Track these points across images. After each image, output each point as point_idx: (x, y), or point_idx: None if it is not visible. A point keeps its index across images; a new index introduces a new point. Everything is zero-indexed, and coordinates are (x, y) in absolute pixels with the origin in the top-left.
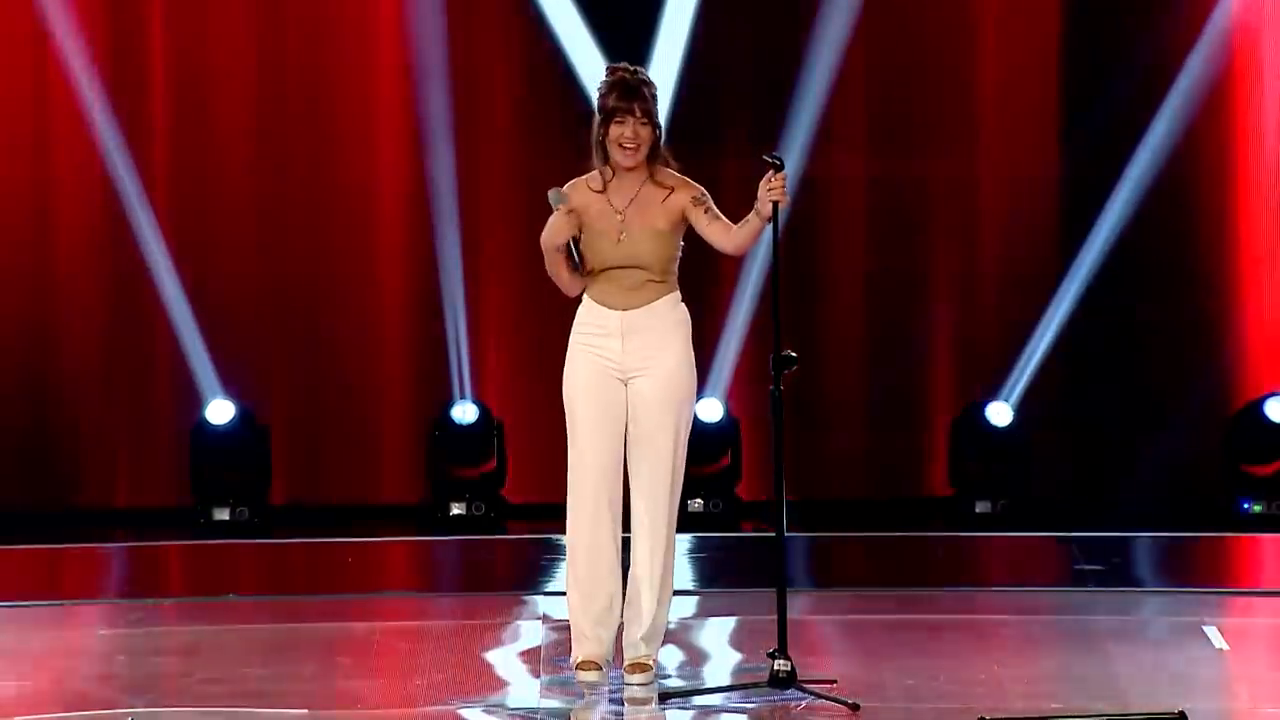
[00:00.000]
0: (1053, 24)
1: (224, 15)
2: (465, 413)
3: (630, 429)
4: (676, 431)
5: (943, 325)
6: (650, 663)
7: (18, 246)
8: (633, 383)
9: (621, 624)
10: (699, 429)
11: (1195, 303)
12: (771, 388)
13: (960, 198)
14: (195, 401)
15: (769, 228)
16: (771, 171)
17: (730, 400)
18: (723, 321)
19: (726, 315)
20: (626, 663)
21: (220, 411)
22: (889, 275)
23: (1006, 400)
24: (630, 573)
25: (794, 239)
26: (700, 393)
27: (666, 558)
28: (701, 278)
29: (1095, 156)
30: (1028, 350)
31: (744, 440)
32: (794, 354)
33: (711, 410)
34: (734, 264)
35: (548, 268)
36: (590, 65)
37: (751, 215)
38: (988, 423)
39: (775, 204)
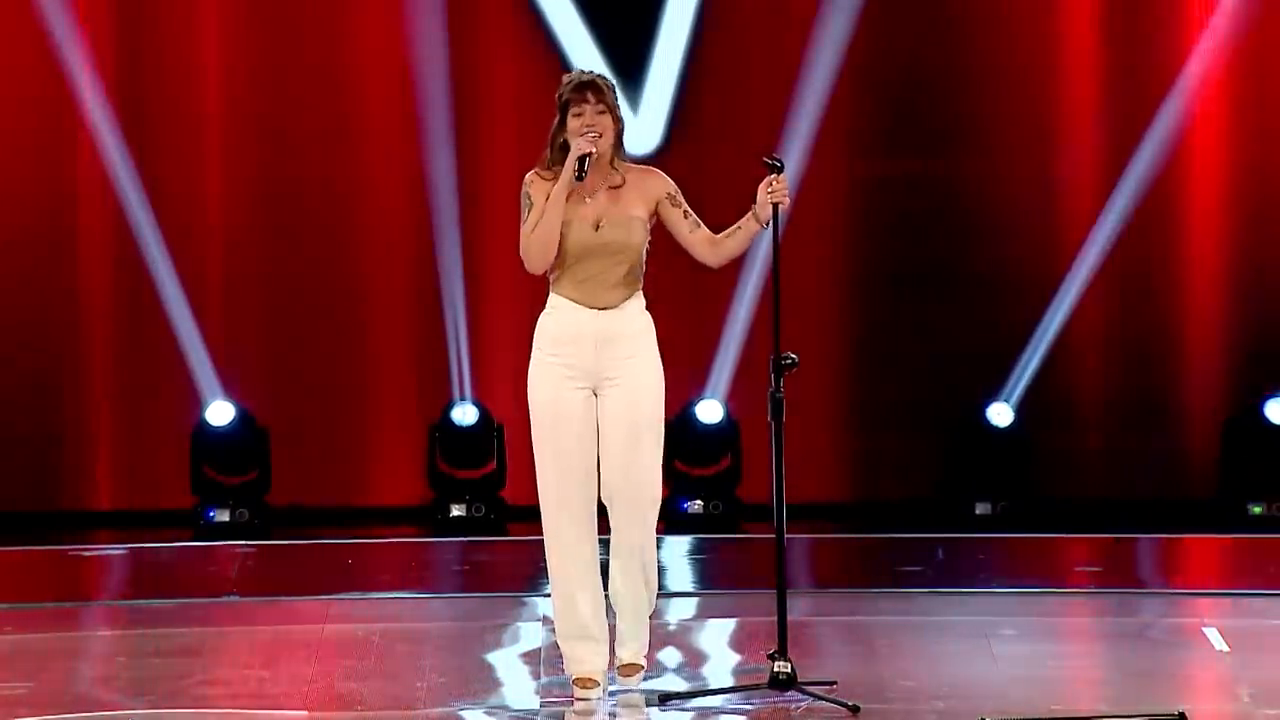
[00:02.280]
0: (1053, 23)
1: (227, 17)
2: (465, 414)
3: (606, 439)
4: (656, 437)
5: (943, 326)
6: (642, 661)
7: (17, 249)
8: (604, 392)
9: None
10: (700, 431)
11: (1195, 303)
12: (771, 389)
13: (960, 198)
14: (195, 403)
15: (765, 230)
16: (772, 174)
17: (730, 402)
18: (722, 322)
19: (726, 316)
20: (619, 664)
21: (220, 413)
22: (889, 276)
23: (1006, 401)
24: (612, 578)
25: (793, 240)
26: (700, 394)
27: (652, 563)
28: (701, 277)
29: (1096, 156)
30: (1028, 351)
31: (743, 442)
32: (794, 355)
33: (711, 412)
34: (735, 263)
35: (544, 222)
36: (590, 65)
37: (747, 219)
38: (988, 423)
39: (776, 206)
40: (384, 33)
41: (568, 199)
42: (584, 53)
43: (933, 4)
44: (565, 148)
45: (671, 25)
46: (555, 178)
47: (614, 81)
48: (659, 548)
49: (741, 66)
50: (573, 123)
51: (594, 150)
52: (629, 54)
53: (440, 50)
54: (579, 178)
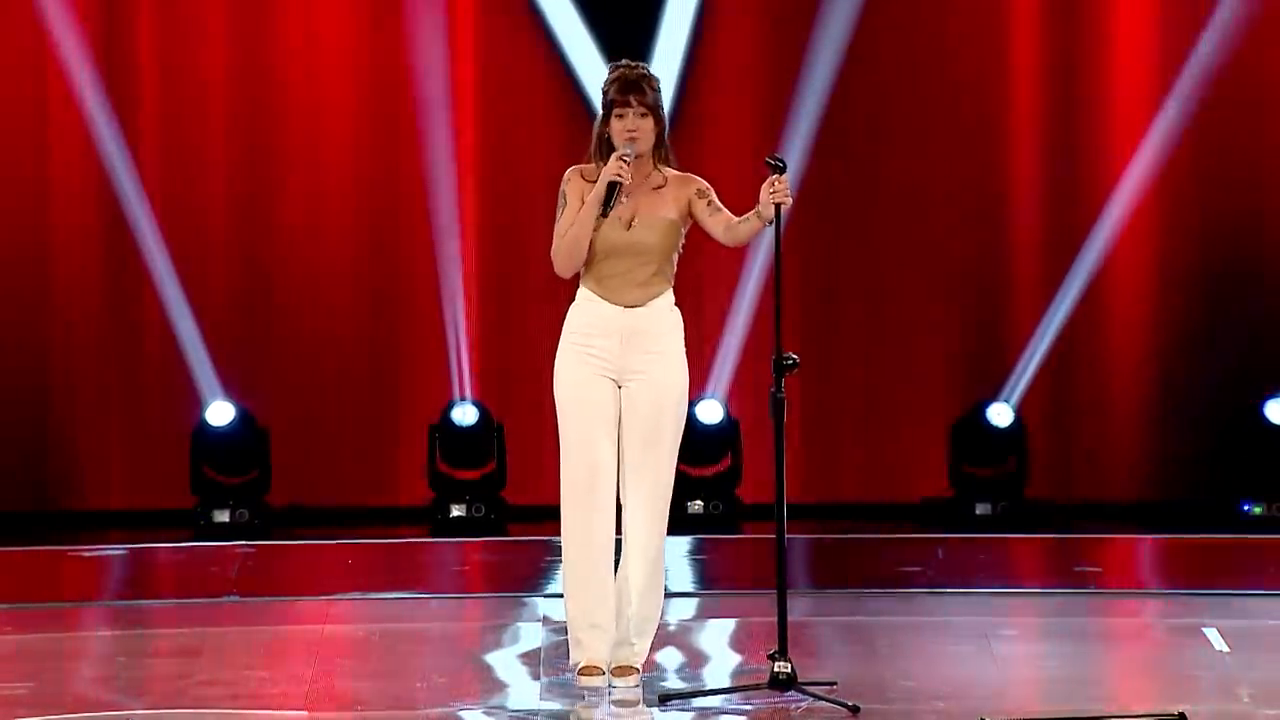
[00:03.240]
0: (1054, 23)
1: (229, 16)
2: (465, 414)
3: (626, 432)
4: (675, 436)
5: (944, 325)
6: (638, 665)
7: (17, 249)
8: (628, 385)
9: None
10: (700, 431)
11: (1196, 304)
12: (772, 389)
13: (963, 199)
14: (195, 403)
15: (768, 229)
16: (774, 174)
17: (730, 402)
18: (723, 322)
19: (727, 315)
20: (613, 665)
21: (220, 413)
22: (890, 277)
23: (1007, 401)
24: (620, 573)
25: (794, 239)
26: (700, 394)
27: (659, 560)
28: (703, 277)
29: (1096, 155)
30: (1028, 351)
31: (744, 442)
32: (795, 356)
33: (711, 412)
34: (735, 264)
35: (574, 230)
36: (590, 65)
37: (752, 215)
38: (988, 424)
39: (777, 206)
40: (384, 32)
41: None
42: (584, 53)
43: (934, 5)
44: (609, 143)
45: (671, 25)
46: (595, 179)
47: (656, 77)
48: None
49: (742, 67)
50: (615, 124)
51: (623, 180)
52: (629, 54)
53: (440, 50)
54: (604, 213)
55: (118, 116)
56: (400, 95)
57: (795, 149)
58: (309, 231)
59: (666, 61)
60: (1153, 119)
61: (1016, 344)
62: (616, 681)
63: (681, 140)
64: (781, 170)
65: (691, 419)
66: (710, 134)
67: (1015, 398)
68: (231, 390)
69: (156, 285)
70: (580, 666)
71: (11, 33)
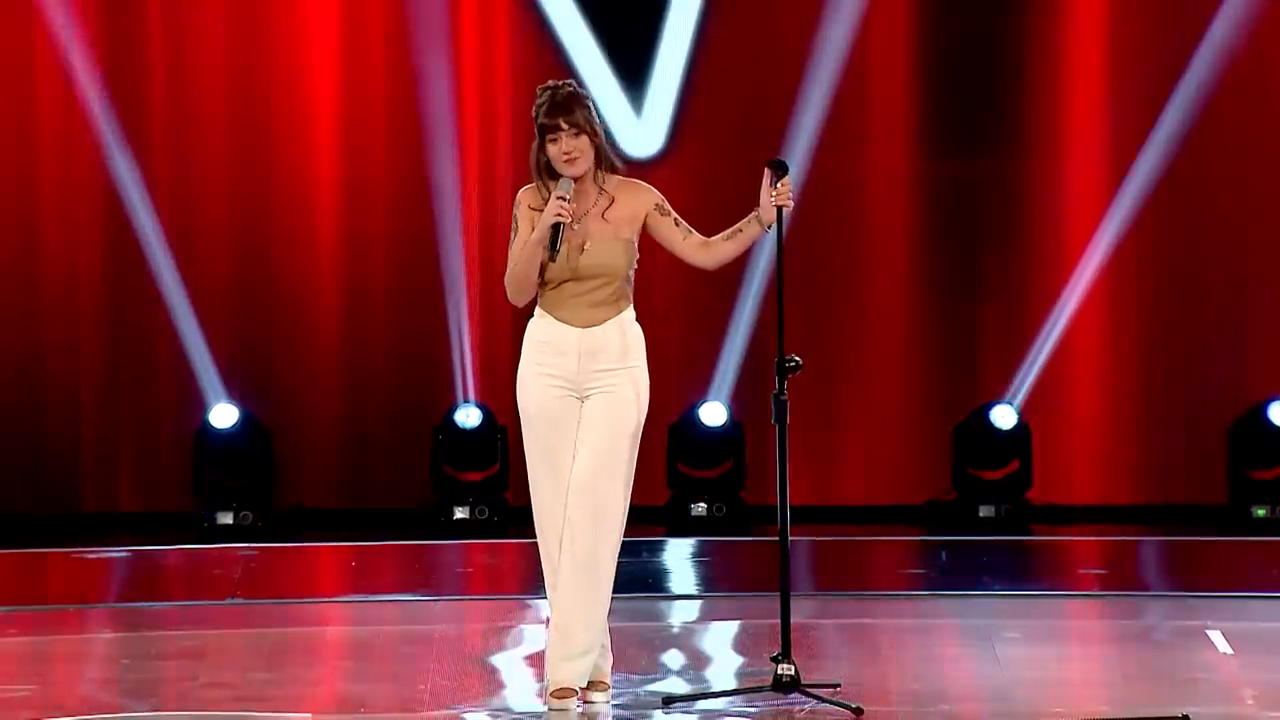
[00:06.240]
0: (1060, 20)
1: (233, 17)
2: (468, 416)
3: (580, 443)
4: (631, 450)
5: (946, 328)
6: (609, 680)
7: (20, 252)
8: (589, 397)
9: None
10: (703, 433)
11: (1200, 306)
12: (775, 391)
13: (965, 201)
14: (199, 406)
15: (768, 233)
16: (775, 177)
17: (733, 404)
18: (726, 324)
19: (730, 318)
20: (584, 680)
21: (223, 416)
22: (893, 277)
23: (1010, 404)
24: (561, 597)
25: (797, 242)
26: (704, 396)
27: (597, 566)
28: (704, 280)
29: (1101, 157)
30: (1032, 353)
31: (747, 444)
32: (798, 358)
33: (715, 414)
34: (737, 266)
35: (519, 268)
36: (593, 67)
37: (748, 222)
38: (992, 426)
39: (780, 209)
40: (388, 34)
41: None
42: (587, 55)
43: (935, 5)
44: (549, 167)
45: (675, 27)
46: (544, 202)
47: (585, 91)
48: (661, 550)
49: (745, 68)
50: (551, 149)
51: (565, 220)
52: (632, 56)
53: (444, 52)
54: (551, 257)
55: (121, 121)
56: (403, 99)
57: (797, 149)
58: (312, 235)
59: (670, 63)
60: (1156, 118)
61: (1020, 347)
62: (592, 696)
63: (686, 142)
64: (784, 173)
65: (695, 421)
66: (714, 136)
67: (1019, 400)
68: (235, 393)
69: (160, 288)
70: (551, 690)
71: (12, 36)
